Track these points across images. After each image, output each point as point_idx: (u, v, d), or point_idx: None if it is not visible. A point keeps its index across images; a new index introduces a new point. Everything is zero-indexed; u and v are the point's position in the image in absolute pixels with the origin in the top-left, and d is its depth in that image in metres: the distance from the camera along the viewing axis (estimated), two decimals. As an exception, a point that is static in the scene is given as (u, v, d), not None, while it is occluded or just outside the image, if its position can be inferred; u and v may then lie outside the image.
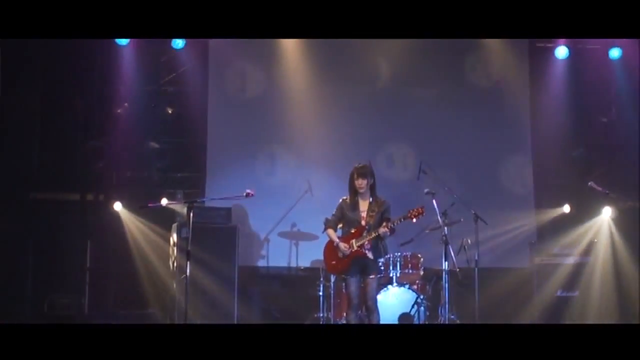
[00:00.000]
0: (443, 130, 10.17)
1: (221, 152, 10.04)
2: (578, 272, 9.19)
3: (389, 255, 8.07)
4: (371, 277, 7.12)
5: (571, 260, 9.27)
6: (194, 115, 10.17)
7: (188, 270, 6.72)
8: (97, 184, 10.08)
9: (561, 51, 10.24)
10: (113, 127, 9.93)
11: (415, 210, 6.98)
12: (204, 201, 8.88)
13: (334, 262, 7.26)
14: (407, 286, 8.47)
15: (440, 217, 7.91)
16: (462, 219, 8.24)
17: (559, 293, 9.17)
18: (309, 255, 9.60)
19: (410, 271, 8.51)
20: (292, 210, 9.75)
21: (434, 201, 7.09)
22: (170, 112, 10.09)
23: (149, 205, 7.66)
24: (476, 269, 7.79)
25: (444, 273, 8.25)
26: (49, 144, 9.89)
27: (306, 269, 9.58)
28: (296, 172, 9.97)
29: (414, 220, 7.00)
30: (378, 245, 7.16)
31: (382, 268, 7.36)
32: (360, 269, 7.15)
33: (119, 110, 9.94)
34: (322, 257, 8.23)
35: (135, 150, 9.99)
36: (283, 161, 10.06)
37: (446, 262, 7.08)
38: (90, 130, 10.01)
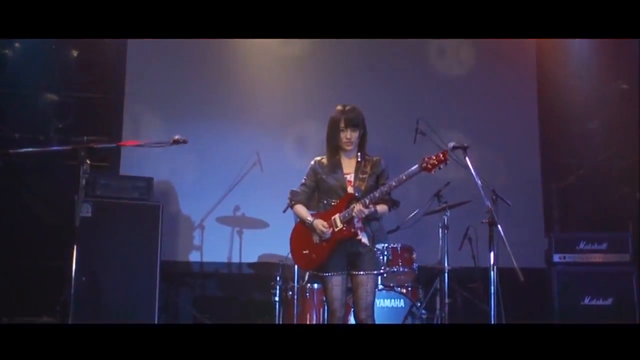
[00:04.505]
0: (436, 88, 8.31)
1: (143, 112, 7.95)
2: (611, 273, 7.23)
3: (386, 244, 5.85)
4: (365, 273, 4.80)
5: (602, 259, 7.29)
6: (107, 62, 8.07)
7: (74, 264, 4.72)
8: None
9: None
10: (-4, 72, 7.85)
11: (435, 156, 4.67)
12: (111, 149, 6.96)
13: (306, 252, 4.88)
14: (397, 290, 6.28)
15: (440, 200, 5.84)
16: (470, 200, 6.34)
17: (586, 301, 7.19)
18: (256, 247, 7.79)
19: (402, 269, 6.32)
20: (235, 189, 7.78)
21: (467, 159, 4.75)
22: (75, 55, 7.96)
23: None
24: (494, 267, 5.59)
25: (445, 274, 6.26)
26: None
27: (253, 265, 7.67)
28: (241, 139, 7.98)
29: (433, 172, 4.69)
30: (375, 224, 4.88)
31: (383, 259, 4.91)
32: (348, 261, 4.84)
33: (5, 51, 7.84)
34: (273, 251, 7.26)
35: (27, 104, 7.86)
36: (224, 126, 8.03)
37: (491, 253, 4.69)
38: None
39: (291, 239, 5.02)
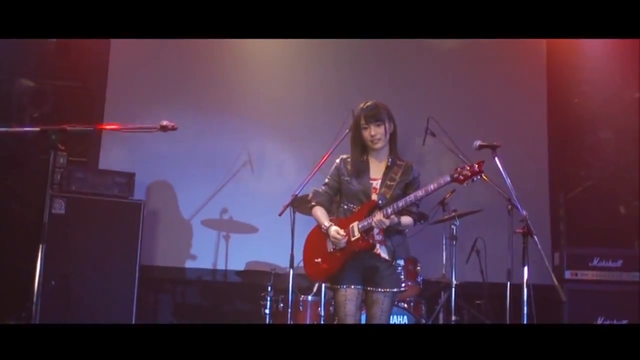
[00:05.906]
0: (441, 94, 7.77)
1: (126, 104, 7.38)
2: (627, 293, 6.79)
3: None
4: (382, 290, 4.29)
5: (617, 277, 6.87)
6: (89, 48, 7.45)
7: (38, 266, 4.06)
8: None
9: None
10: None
11: (470, 167, 4.13)
12: (89, 141, 6.54)
13: (318, 261, 4.37)
14: (400, 305, 5.80)
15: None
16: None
17: (598, 322, 6.75)
18: (244, 253, 7.30)
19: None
20: (223, 190, 7.28)
21: (496, 159, 4.22)
22: (54, 40, 7.34)
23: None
24: (508, 283, 5.21)
25: (452, 289, 5.77)
26: None
27: (241, 273, 7.15)
28: (231, 137, 7.46)
29: (466, 184, 4.17)
30: (397, 238, 4.35)
31: (402, 276, 4.35)
32: (363, 275, 4.32)
33: (-24, 33, 7.20)
34: (262, 258, 6.97)
35: (0, 90, 7.28)
36: (213, 121, 7.51)
37: (525, 268, 4.15)
38: None
39: (305, 244, 4.53)
